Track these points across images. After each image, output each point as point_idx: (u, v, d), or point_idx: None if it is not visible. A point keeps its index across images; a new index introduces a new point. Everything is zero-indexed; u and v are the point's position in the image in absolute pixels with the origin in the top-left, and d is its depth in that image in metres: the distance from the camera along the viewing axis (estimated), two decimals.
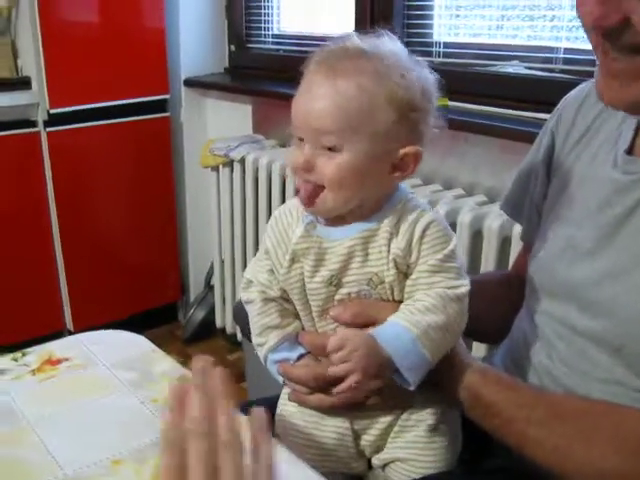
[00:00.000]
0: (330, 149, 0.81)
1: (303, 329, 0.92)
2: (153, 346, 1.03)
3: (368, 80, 0.80)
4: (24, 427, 0.84)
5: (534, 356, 0.96)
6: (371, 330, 0.83)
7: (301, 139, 0.83)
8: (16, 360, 0.99)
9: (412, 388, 0.83)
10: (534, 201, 1.07)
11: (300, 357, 0.90)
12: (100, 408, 0.89)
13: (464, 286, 0.85)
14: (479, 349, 1.67)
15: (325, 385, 0.87)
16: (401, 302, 0.87)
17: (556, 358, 0.93)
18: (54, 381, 0.94)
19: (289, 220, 0.90)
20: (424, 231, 0.84)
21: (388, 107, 0.81)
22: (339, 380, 0.85)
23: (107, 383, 0.94)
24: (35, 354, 1.01)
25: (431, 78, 0.85)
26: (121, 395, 0.91)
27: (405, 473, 0.91)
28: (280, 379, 0.92)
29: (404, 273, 0.85)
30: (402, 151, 0.83)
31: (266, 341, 0.90)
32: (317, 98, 0.81)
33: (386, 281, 0.85)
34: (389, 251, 0.84)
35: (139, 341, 1.05)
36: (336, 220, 0.87)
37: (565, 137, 1.01)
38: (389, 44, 0.84)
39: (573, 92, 1.03)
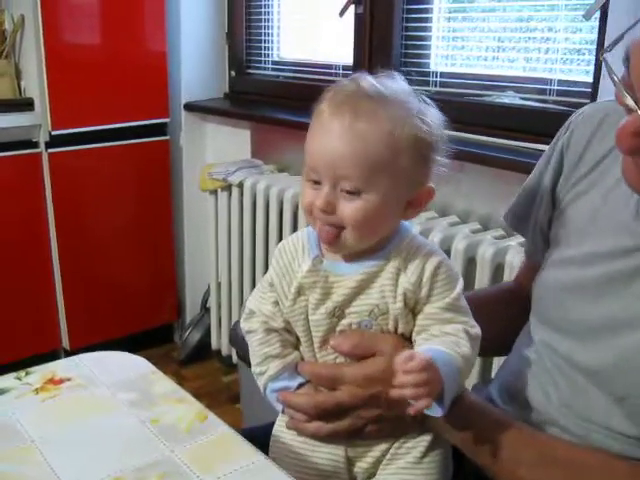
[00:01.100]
0: (351, 192, 0.82)
1: (302, 359, 0.93)
2: (153, 367, 1.05)
3: (389, 124, 0.81)
4: (28, 444, 0.86)
5: (531, 391, 0.97)
6: (425, 354, 0.81)
7: (317, 182, 0.84)
8: (19, 379, 1.01)
9: (440, 415, 0.82)
10: (538, 222, 1.07)
11: (299, 386, 0.91)
12: (101, 427, 0.90)
13: (477, 327, 0.88)
14: (473, 375, 1.69)
15: (324, 413, 0.88)
16: (401, 334, 0.88)
17: (554, 395, 0.93)
18: (56, 400, 0.96)
19: (294, 253, 0.91)
20: (436, 269, 0.86)
21: (409, 151, 0.82)
22: (338, 409, 0.88)
23: (108, 403, 0.96)
24: (38, 373, 1.02)
25: (441, 118, 0.87)
26: (121, 415, 0.93)
27: None
28: (279, 407, 0.93)
29: (411, 308, 0.87)
30: (419, 190, 0.86)
31: (266, 370, 0.92)
32: (338, 142, 0.81)
33: (391, 313, 0.87)
34: (396, 285, 0.86)
35: (139, 362, 1.07)
36: (344, 255, 0.88)
37: (577, 160, 1.00)
38: (402, 86, 0.86)
39: (589, 108, 1.01)
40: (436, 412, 0.81)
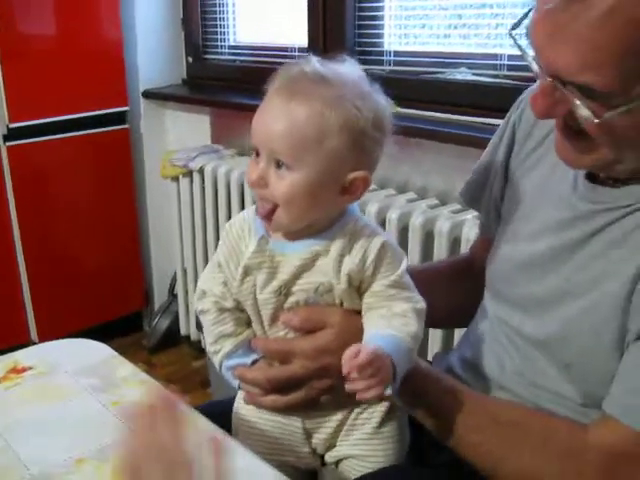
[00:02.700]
0: (282, 167, 0.84)
1: (255, 336, 0.95)
2: (114, 352, 1.07)
3: (323, 105, 0.82)
4: None
5: (487, 362, 1.01)
6: (373, 341, 0.84)
7: (258, 154, 0.86)
8: None
9: (390, 394, 0.85)
10: (492, 197, 1.10)
11: (254, 362, 0.94)
12: (63, 412, 0.92)
13: (422, 301, 0.90)
14: (435, 343, 1.73)
15: (278, 386, 0.91)
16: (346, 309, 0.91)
17: (508, 364, 0.97)
18: (19, 388, 0.98)
19: (240, 233, 0.92)
20: (380, 250, 0.88)
21: (340, 133, 0.83)
22: (291, 381, 0.90)
23: (70, 389, 0.98)
24: (0, 364, 1.04)
25: (386, 106, 0.87)
26: (83, 399, 0.95)
27: (357, 469, 0.95)
28: (235, 384, 0.96)
29: (356, 287, 0.90)
30: (352, 175, 0.86)
31: (221, 348, 0.94)
32: (273, 119, 0.83)
33: (335, 293, 0.89)
34: (340, 266, 0.88)
35: (100, 348, 1.09)
36: (288, 235, 0.90)
37: (526, 135, 1.03)
38: (349, 70, 0.87)
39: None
40: (386, 392, 0.83)
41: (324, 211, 0.88)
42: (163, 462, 0.59)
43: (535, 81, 0.83)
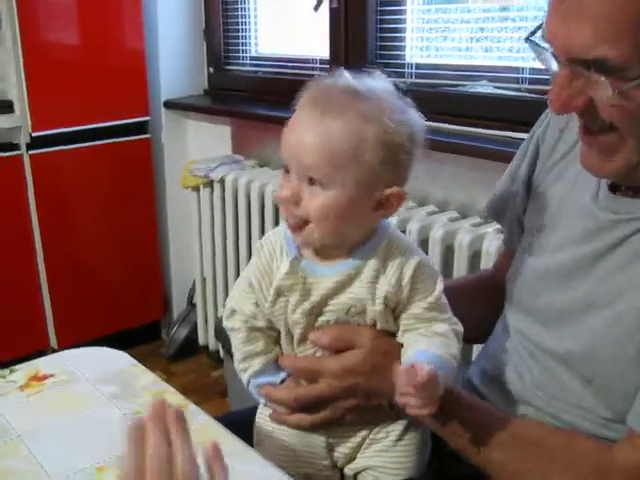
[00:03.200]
0: (315, 184, 0.83)
1: (282, 354, 0.95)
2: (134, 361, 1.07)
3: (358, 120, 0.81)
4: (14, 439, 0.89)
5: (507, 375, 1.00)
6: (418, 359, 0.83)
7: (288, 171, 0.85)
8: (4, 377, 1.03)
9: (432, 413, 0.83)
10: (515, 212, 1.10)
11: (282, 381, 0.93)
12: (84, 420, 0.93)
13: (459, 324, 0.90)
14: None
15: (305, 405, 0.91)
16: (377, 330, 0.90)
17: (528, 378, 0.97)
18: (41, 396, 0.99)
19: (272, 253, 0.91)
20: (415, 271, 0.87)
21: (376, 148, 0.81)
22: (318, 400, 0.90)
23: (90, 397, 0.99)
24: (22, 371, 1.05)
25: (420, 121, 0.86)
26: (104, 407, 0.96)
27: None
28: (262, 401, 0.96)
29: (391, 308, 0.89)
30: (387, 191, 0.84)
31: (249, 366, 0.94)
32: (306, 134, 0.82)
33: (368, 314, 0.89)
34: (375, 288, 0.87)
35: (120, 356, 1.10)
36: (322, 255, 0.89)
37: (550, 150, 1.03)
38: (381, 84, 0.86)
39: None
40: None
41: (357, 227, 0.87)
42: (167, 474, 0.59)
43: None
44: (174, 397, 0.98)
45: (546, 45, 0.80)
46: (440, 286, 0.89)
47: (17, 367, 1.05)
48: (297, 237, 0.87)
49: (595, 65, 0.74)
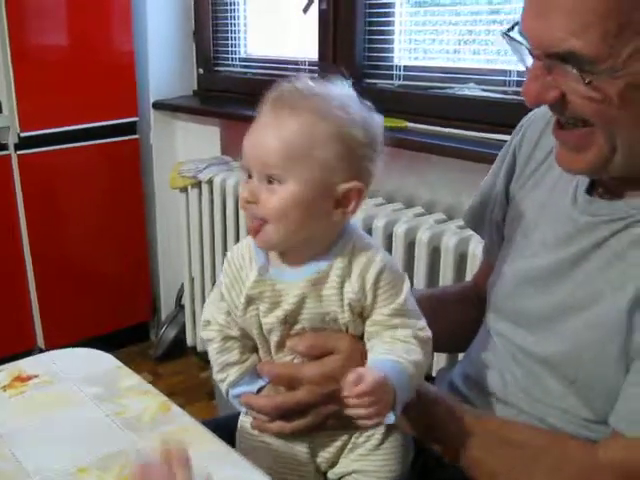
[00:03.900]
0: (273, 182, 0.83)
1: (260, 360, 0.94)
2: (118, 362, 1.07)
3: (311, 116, 0.82)
4: None
5: (490, 378, 1.00)
6: (374, 366, 0.83)
7: (250, 176, 0.86)
8: None
9: (393, 422, 0.83)
10: (494, 221, 1.11)
11: (259, 390, 0.93)
12: (67, 421, 0.93)
13: (427, 330, 0.89)
14: (438, 361, 1.73)
15: (285, 413, 0.90)
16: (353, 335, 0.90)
17: (511, 381, 0.97)
18: (24, 397, 0.99)
19: (241, 263, 0.91)
20: (378, 276, 0.86)
21: (330, 142, 0.83)
22: (298, 407, 0.90)
23: (74, 398, 0.98)
24: (5, 372, 1.05)
25: (377, 120, 0.87)
26: (87, 409, 0.96)
27: None
28: (243, 410, 0.96)
29: (359, 314, 0.89)
30: (344, 186, 0.84)
31: (227, 377, 0.93)
32: (262, 133, 0.84)
33: (340, 322, 0.88)
34: (342, 294, 0.87)
35: (104, 358, 1.09)
36: (288, 260, 0.89)
37: (527, 158, 1.04)
38: (338, 87, 0.87)
39: (539, 110, 1.02)
40: (388, 420, 0.82)
41: (318, 227, 0.86)
42: None
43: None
44: (156, 398, 0.98)
45: (522, 40, 0.82)
46: (405, 291, 0.88)
47: (1, 367, 1.05)
48: (257, 240, 0.87)
49: (566, 58, 0.75)
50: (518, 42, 0.83)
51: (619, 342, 0.83)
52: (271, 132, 0.83)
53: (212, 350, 0.95)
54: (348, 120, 0.84)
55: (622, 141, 0.80)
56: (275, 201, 0.83)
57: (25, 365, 1.07)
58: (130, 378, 1.03)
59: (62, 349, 1.12)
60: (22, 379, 1.02)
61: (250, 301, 0.89)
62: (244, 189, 0.85)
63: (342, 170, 0.84)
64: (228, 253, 0.94)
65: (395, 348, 0.85)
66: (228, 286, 0.91)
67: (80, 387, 1.00)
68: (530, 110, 1.05)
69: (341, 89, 0.87)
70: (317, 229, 0.87)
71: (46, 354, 1.10)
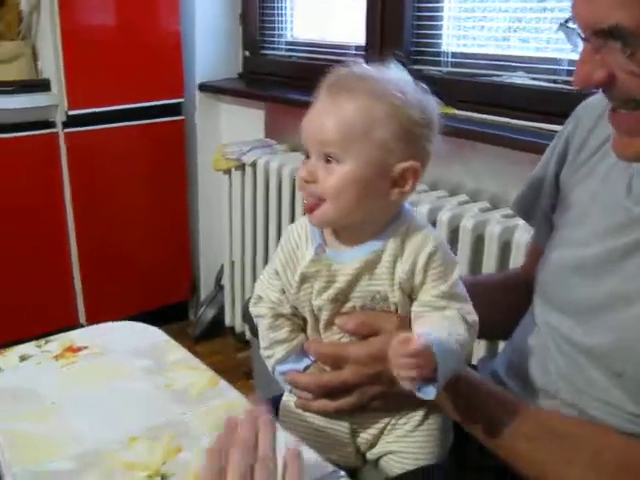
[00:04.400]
0: (331, 161, 0.85)
1: (307, 339, 0.95)
2: (166, 336, 1.09)
3: (369, 97, 0.84)
4: (48, 407, 0.91)
5: (533, 367, 1.00)
6: (424, 337, 0.82)
7: (308, 156, 0.87)
8: (39, 347, 1.06)
9: (433, 398, 0.82)
10: (544, 209, 1.10)
11: (306, 368, 0.94)
12: (117, 392, 0.95)
13: (474, 314, 0.89)
14: (480, 349, 1.73)
15: (329, 392, 0.91)
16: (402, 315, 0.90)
17: (554, 371, 0.96)
18: (75, 367, 1.01)
19: (297, 241, 0.92)
20: (430, 257, 0.87)
21: (388, 123, 0.84)
22: (343, 387, 0.90)
23: (123, 369, 1.01)
24: (57, 342, 1.07)
25: (433, 102, 0.88)
26: (136, 380, 0.98)
27: (397, 465, 0.95)
28: (287, 387, 0.97)
29: (408, 294, 0.89)
30: (400, 166, 0.85)
31: (274, 353, 0.94)
32: (321, 115, 0.85)
33: (390, 301, 0.89)
34: (394, 273, 0.88)
35: (152, 332, 1.12)
36: (344, 240, 0.90)
37: (580, 147, 1.03)
38: (394, 71, 0.88)
39: (594, 98, 1.02)
40: (429, 394, 0.81)
41: (375, 206, 0.87)
42: (246, 457, 0.62)
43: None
44: (204, 373, 1.00)
45: (574, 26, 0.81)
46: (455, 275, 0.88)
47: (52, 338, 1.08)
48: (313, 218, 0.88)
49: (612, 33, 0.74)
50: (571, 30, 0.82)
51: None
52: (329, 113, 0.84)
53: (262, 326, 0.96)
54: (404, 101, 0.84)
55: None
56: (333, 180, 0.85)
57: (75, 337, 1.09)
58: (178, 352, 1.05)
59: (110, 322, 1.14)
60: (73, 350, 1.05)
61: (304, 279, 0.90)
62: (302, 169, 0.87)
63: (399, 150, 0.85)
64: (285, 231, 0.96)
65: (441, 326, 0.86)
66: (283, 264, 0.93)
67: (129, 359, 1.02)
68: (582, 97, 1.04)
69: (397, 73, 0.88)
70: (373, 208, 0.87)
71: (96, 327, 1.12)
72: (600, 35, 0.76)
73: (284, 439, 0.67)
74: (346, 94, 0.85)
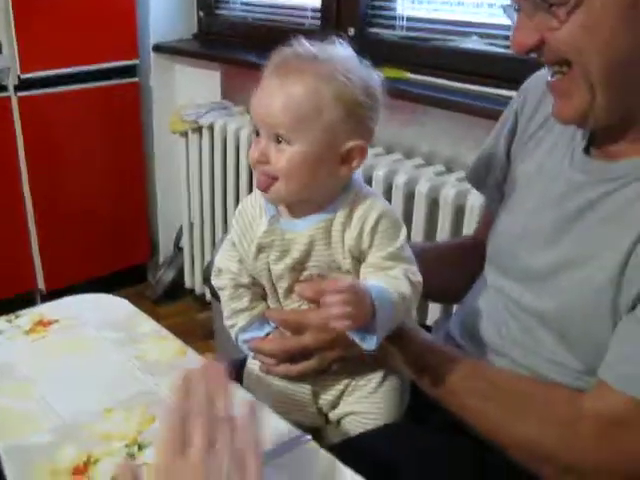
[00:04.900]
0: (282, 142, 0.88)
1: (268, 307, 1.00)
2: (135, 308, 1.12)
3: (316, 80, 0.87)
4: (23, 381, 0.93)
5: (486, 329, 1.05)
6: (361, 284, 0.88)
7: (258, 134, 0.90)
8: (10, 322, 1.08)
9: (373, 348, 0.87)
10: (496, 180, 1.15)
11: (267, 335, 0.99)
12: (90, 364, 0.98)
13: (419, 274, 0.93)
14: (434, 311, 1.79)
15: (292, 356, 0.96)
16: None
17: (506, 333, 1.01)
18: (46, 341, 1.03)
19: (252, 213, 0.97)
20: (377, 222, 0.91)
21: (335, 105, 0.87)
22: (304, 351, 0.95)
23: (95, 342, 1.03)
24: (27, 316, 1.09)
25: (377, 78, 0.92)
26: (108, 352, 1.01)
27: (359, 425, 1.01)
28: (251, 354, 1.02)
29: (357, 259, 0.93)
30: (348, 145, 0.89)
31: (236, 322, 0.99)
32: (271, 97, 0.87)
33: (343, 268, 0.93)
34: (343, 240, 0.92)
35: (122, 304, 1.14)
36: (296, 212, 0.94)
37: (528, 120, 1.07)
38: (338, 49, 0.91)
39: (541, 73, 1.04)
40: (369, 344, 0.86)
41: (324, 182, 0.91)
42: (206, 416, 0.64)
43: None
44: (173, 343, 1.03)
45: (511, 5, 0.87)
46: (402, 238, 0.93)
47: (22, 312, 1.09)
48: (267, 195, 0.92)
49: None
50: (509, 7, 0.88)
51: (609, 299, 0.86)
52: (278, 95, 0.87)
53: (224, 297, 1.00)
54: (350, 83, 0.88)
55: (597, 78, 0.83)
56: (284, 160, 0.88)
57: (45, 310, 1.11)
58: (147, 323, 1.08)
59: (80, 295, 1.15)
60: (44, 324, 1.07)
61: (261, 249, 0.94)
62: (254, 149, 0.90)
63: (346, 131, 0.89)
64: (239, 205, 1.00)
65: (384, 280, 0.90)
66: (240, 235, 0.97)
67: (100, 332, 1.05)
68: (533, 62, 1.09)
69: (341, 51, 0.91)
70: (323, 184, 0.91)
71: (65, 300, 1.14)
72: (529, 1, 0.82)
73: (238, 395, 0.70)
74: (293, 76, 0.87)
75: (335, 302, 0.82)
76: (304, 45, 0.90)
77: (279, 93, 0.87)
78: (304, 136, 0.87)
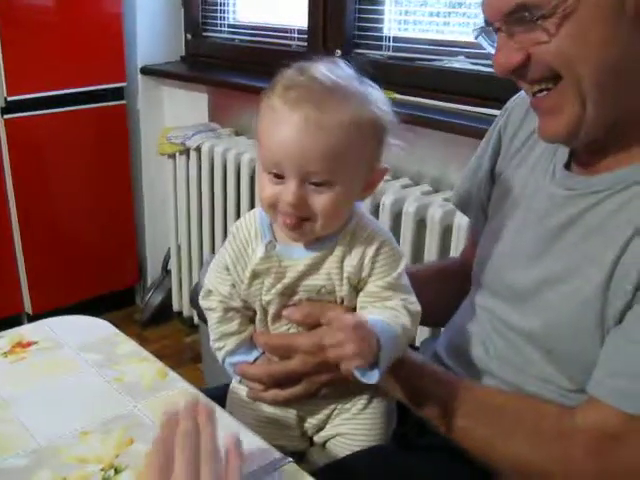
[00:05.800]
0: (320, 185, 0.83)
1: (256, 331, 0.97)
2: (115, 330, 1.10)
3: (351, 115, 0.82)
4: (0, 403, 0.91)
5: (473, 349, 1.04)
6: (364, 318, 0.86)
7: (278, 175, 0.84)
8: None
9: (375, 382, 0.83)
10: (480, 200, 1.15)
11: (255, 359, 0.96)
12: (68, 386, 0.96)
13: (418, 304, 0.92)
14: (422, 331, 1.77)
15: (279, 381, 0.94)
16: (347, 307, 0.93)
17: (493, 352, 1.01)
18: (25, 362, 1.01)
19: (247, 237, 0.93)
20: (377, 251, 0.89)
21: (369, 139, 0.85)
22: (292, 376, 0.93)
23: (74, 364, 1.01)
24: (6, 338, 1.07)
25: (386, 99, 0.88)
26: (87, 374, 0.99)
27: (344, 446, 0.99)
28: (237, 378, 0.99)
29: (354, 287, 0.91)
30: (375, 172, 0.89)
31: (224, 345, 0.96)
32: (304, 136, 0.81)
33: (337, 294, 0.91)
34: (342, 268, 0.90)
35: (102, 325, 1.12)
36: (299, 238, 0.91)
37: (511, 138, 1.07)
38: (349, 73, 0.86)
39: (523, 93, 1.00)
40: (372, 378, 0.82)
41: (349, 211, 0.90)
42: (191, 449, 0.64)
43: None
44: (154, 364, 1.01)
45: (488, 27, 0.87)
46: (401, 268, 0.91)
47: (1, 334, 1.08)
48: (295, 234, 0.88)
49: (520, 14, 0.80)
50: (487, 30, 0.88)
51: (594, 314, 0.86)
52: (313, 135, 0.81)
53: (212, 319, 0.97)
54: (378, 110, 0.85)
55: (588, 87, 0.82)
56: (327, 204, 0.84)
57: (24, 332, 1.09)
58: (127, 344, 1.06)
59: (60, 316, 1.14)
60: (23, 345, 1.05)
61: (255, 276, 0.92)
62: (289, 194, 0.83)
63: (376, 158, 0.88)
64: (233, 226, 0.96)
65: (384, 313, 0.88)
66: (233, 260, 0.93)
67: (79, 354, 1.03)
68: (514, 85, 1.08)
69: (351, 75, 0.87)
70: (348, 214, 0.90)
71: (45, 321, 1.12)
72: (510, 21, 0.82)
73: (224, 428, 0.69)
74: (326, 112, 0.81)
75: (346, 340, 0.80)
76: (319, 71, 0.84)
77: (312, 131, 0.80)
78: (345, 175, 0.84)
